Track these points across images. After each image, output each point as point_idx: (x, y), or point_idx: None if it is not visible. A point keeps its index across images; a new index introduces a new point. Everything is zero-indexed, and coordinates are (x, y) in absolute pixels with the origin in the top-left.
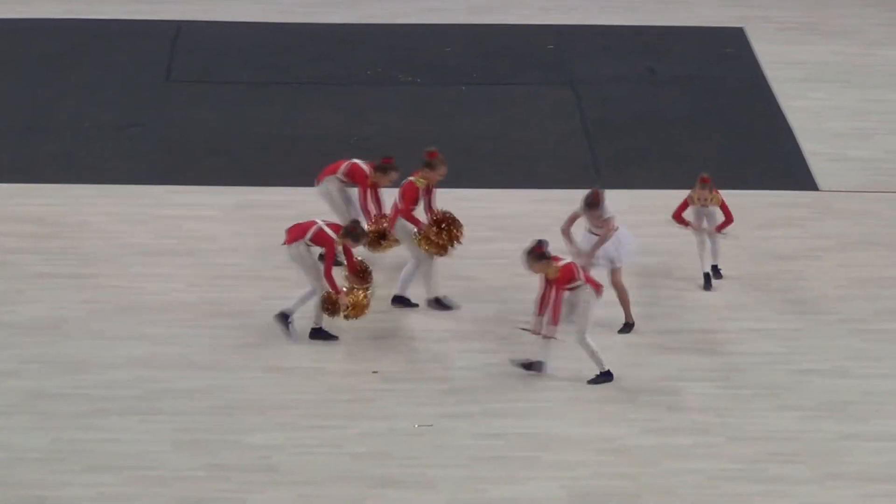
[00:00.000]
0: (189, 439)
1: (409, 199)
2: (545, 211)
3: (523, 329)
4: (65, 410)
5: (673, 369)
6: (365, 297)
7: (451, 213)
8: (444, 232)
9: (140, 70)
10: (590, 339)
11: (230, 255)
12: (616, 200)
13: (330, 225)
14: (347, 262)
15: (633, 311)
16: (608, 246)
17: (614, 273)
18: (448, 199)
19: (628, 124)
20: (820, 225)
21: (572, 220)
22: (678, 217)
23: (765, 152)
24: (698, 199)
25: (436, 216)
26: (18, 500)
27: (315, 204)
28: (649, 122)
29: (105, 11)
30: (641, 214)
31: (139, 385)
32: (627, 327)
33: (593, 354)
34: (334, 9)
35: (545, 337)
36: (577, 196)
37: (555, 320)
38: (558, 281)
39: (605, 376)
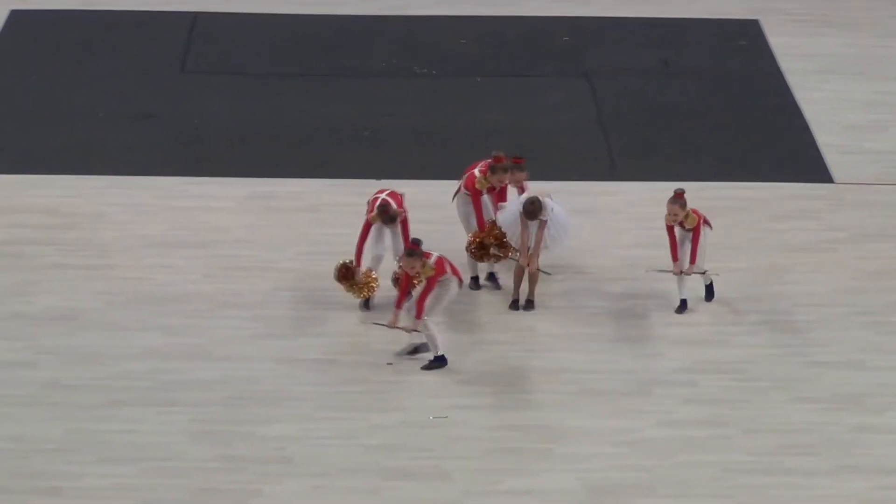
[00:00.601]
0: (204, 430)
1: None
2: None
3: (378, 324)
4: (80, 401)
5: (688, 361)
6: (374, 284)
7: (501, 234)
8: (485, 253)
9: (155, 61)
10: (432, 323)
11: (244, 247)
12: (630, 192)
13: (391, 194)
14: (404, 237)
15: (650, 303)
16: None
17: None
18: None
19: (643, 116)
20: (834, 217)
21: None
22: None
23: (779, 144)
24: (668, 213)
25: (480, 237)
26: (34, 491)
27: (329, 195)
28: (664, 114)
29: (121, 2)
30: (655, 206)
31: (154, 376)
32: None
33: (432, 338)
34: (349, 0)
35: (407, 331)
36: (591, 188)
37: (419, 314)
38: (432, 279)
39: (440, 361)
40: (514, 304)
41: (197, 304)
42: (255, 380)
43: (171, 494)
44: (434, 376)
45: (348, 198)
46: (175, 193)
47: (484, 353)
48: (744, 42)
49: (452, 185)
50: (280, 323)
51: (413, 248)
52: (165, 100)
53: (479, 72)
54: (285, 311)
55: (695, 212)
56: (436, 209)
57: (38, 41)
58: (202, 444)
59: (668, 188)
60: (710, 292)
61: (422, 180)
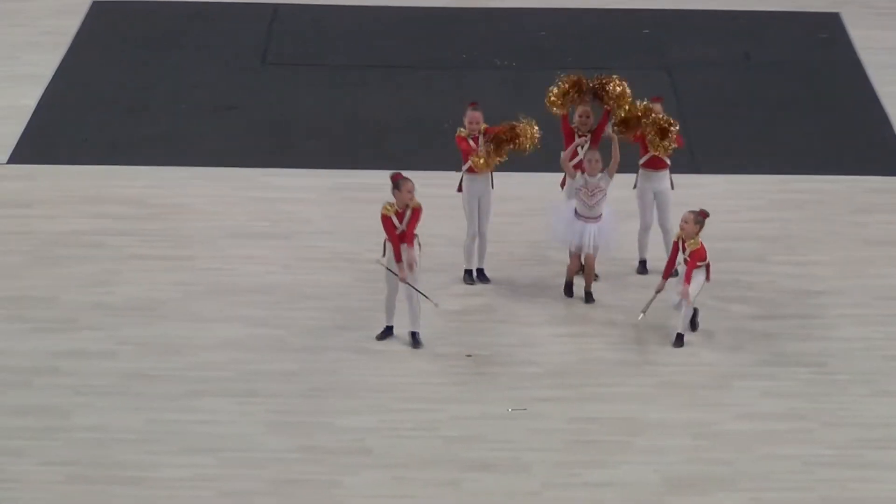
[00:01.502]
0: (283, 421)
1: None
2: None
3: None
4: (160, 392)
5: (768, 354)
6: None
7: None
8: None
9: (237, 52)
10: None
11: (325, 238)
12: (712, 185)
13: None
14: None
15: (730, 295)
16: (593, 229)
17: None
18: (543, 183)
19: (723, 109)
20: None
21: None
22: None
23: (860, 138)
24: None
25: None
26: (115, 481)
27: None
28: (744, 107)
29: None
30: (736, 199)
31: (234, 367)
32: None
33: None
34: None
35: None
36: (673, 180)
37: (410, 241)
38: (418, 209)
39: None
40: (568, 289)
41: (277, 295)
42: (334, 371)
43: (250, 485)
44: (513, 369)
45: (429, 189)
46: (257, 184)
47: (562, 346)
48: (825, 35)
49: (535, 177)
50: (360, 314)
51: (396, 179)
52: (247, 91)
53: (560, 64)
54: (365, 303)
55: (702, 246)
56: (517, 201)
57: (120, 33)
58: (281, 435)
59: (748, 181)
60: (694, 323)
61: (503, 172)
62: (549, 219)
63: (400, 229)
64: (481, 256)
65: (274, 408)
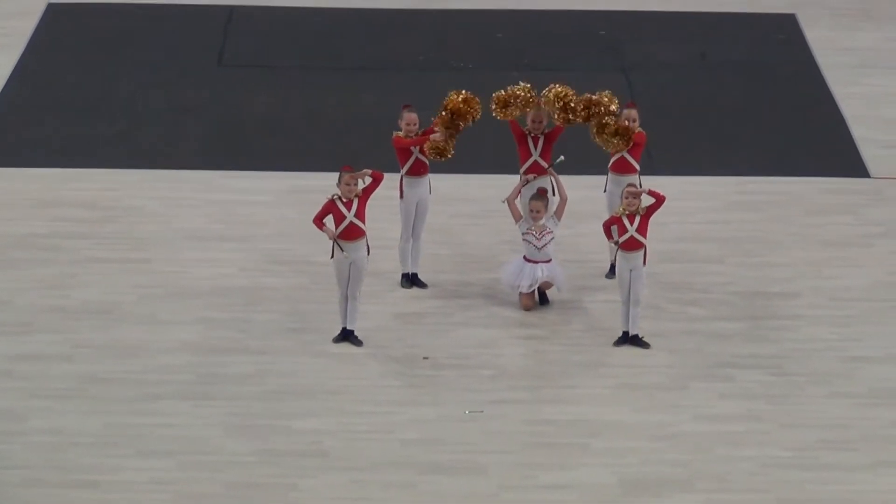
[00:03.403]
0: (241, 424)
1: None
2: (598, 198)
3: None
4: (118, 395)
5: (725, 356)
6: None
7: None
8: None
9: (193, 54)
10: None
11: (282, 240)
12: (668, 186)
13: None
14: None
15: (688, 297)
16: (543, 266)
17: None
18: (501, 185)
19: (680, 110)
20: (872, 212)
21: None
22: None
23: (816, 139)
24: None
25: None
26: (72, 485)
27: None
28: (701, 109)
29: None
30: (693, 201)
31: (191, 370)
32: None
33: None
34: None
35: None
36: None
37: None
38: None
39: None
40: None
41: (234, 297)
42: (291, 374)
43: (208, 488)
44: (470, 371)
45: (385, 191)
46: (213, 186)
47: (520, 348)
48: (782, 36)
49: (492, 179)
50: (317, 317)
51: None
52: (203, 93)
53: (516, 66)
54: (322, 306)
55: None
56: (464, 203)
57: (76, 34)
58: (239, 438)
59: (704, 183)
60: (643, 344)
61: (454, 174)
62: (501, 270)
63: (349, 219)
64: (415, 261)
65: (231, 410)
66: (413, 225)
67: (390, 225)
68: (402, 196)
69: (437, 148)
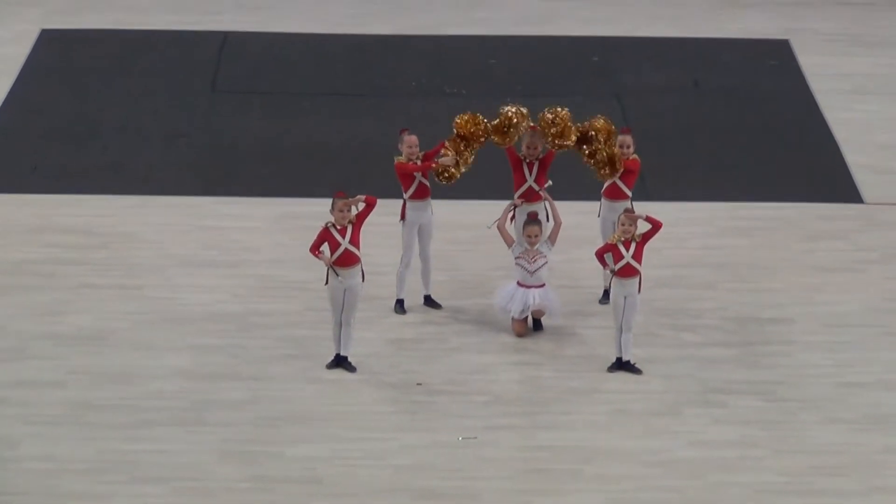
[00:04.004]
0: (234, 450)
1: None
2: (592, 223)
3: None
4: (111, 421)
5: (719, 382)
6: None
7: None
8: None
9: (186, 80)
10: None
11: (275, 266)
12: (662, 212)
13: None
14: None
15: (682, 323)
16: (535, 292)
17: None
18: (494, 211)
19: (674, 136)
20: (865, 237)
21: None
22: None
23: (810, 164)
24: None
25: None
26: None
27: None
28: (694, 134)
29: (152, 22)
30: (686, 226)
31: (185, 396)
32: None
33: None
34: (379, 19)
35: None
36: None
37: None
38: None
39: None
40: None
41: (227, 323)
42: (284, 400)
43: None
44: (464, 397)
45: (380, 217)
46: (206, 213)
47: (513, 374)
48: (775, 62)
49: (487, 204)
50: (310, 343)
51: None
52: (196, 119)
53: (510, 92)
54: (315, 331)
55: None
56: (458, 228)
57: (69, 60)
58: (231, 464)
59: (698, 208)
60: (634, 370)
61: (447, 200)
62: (494, 296)
63: (343, 245)
64: (427, 282)
65: (225, 437)
66: (419, 248)
67: (384, 251)
68: (403, 218)
69: (446, 171)
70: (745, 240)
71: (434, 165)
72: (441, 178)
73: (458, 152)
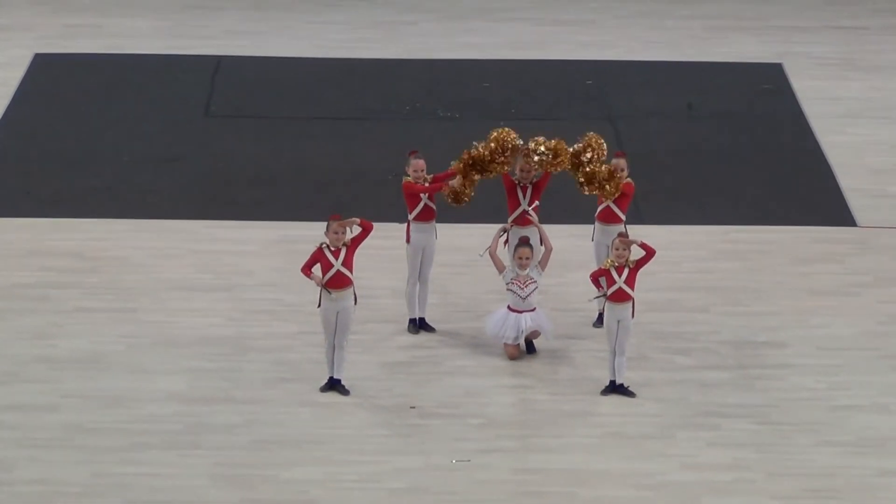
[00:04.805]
0: (227, 474)
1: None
2: (585, 247)
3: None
4: (104, 445)
5: (713, 405)
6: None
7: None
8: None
9: (179, 105)
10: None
11: (268, 290)
12: (656, 236)
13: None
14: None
15: (675, 346)
16: (527, 316)
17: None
18: (487, 235)
19: (667, 160)
20: (858, 261)
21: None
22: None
23: (803, 188)
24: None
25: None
26: None
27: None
28: (688, 158)
29: (145, 46)
30: (680, 250)
31: (178, 419)
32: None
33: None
34: (373, 44)
35: None
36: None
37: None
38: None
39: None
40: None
41: (221, 347)
42: (278, 423)
43: None
44: (457, 420)
45: (373, 241)
46: (200, 237)
47: (507, 397)
48: (768, 86)
49: (479, 228)
50: (303, 366)
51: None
52: (190, 143)
53: (503, 116)
54: (309, 355)
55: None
56: (451, 252)
57: (63, 85)
58: (225, 488)
59: (692, 232)
60: (628, 393)
61: (439, 224)
62: (485, 320)
63: (336, 267)
64: (422, 305)
65: (218, 460)
66: (420, 269)
67: (377, 275)
68: (408, 241)
69: (455, 193)
70: (738, 263)
71: (444, 188)
72: (449, 198)
73: (464, 176)
